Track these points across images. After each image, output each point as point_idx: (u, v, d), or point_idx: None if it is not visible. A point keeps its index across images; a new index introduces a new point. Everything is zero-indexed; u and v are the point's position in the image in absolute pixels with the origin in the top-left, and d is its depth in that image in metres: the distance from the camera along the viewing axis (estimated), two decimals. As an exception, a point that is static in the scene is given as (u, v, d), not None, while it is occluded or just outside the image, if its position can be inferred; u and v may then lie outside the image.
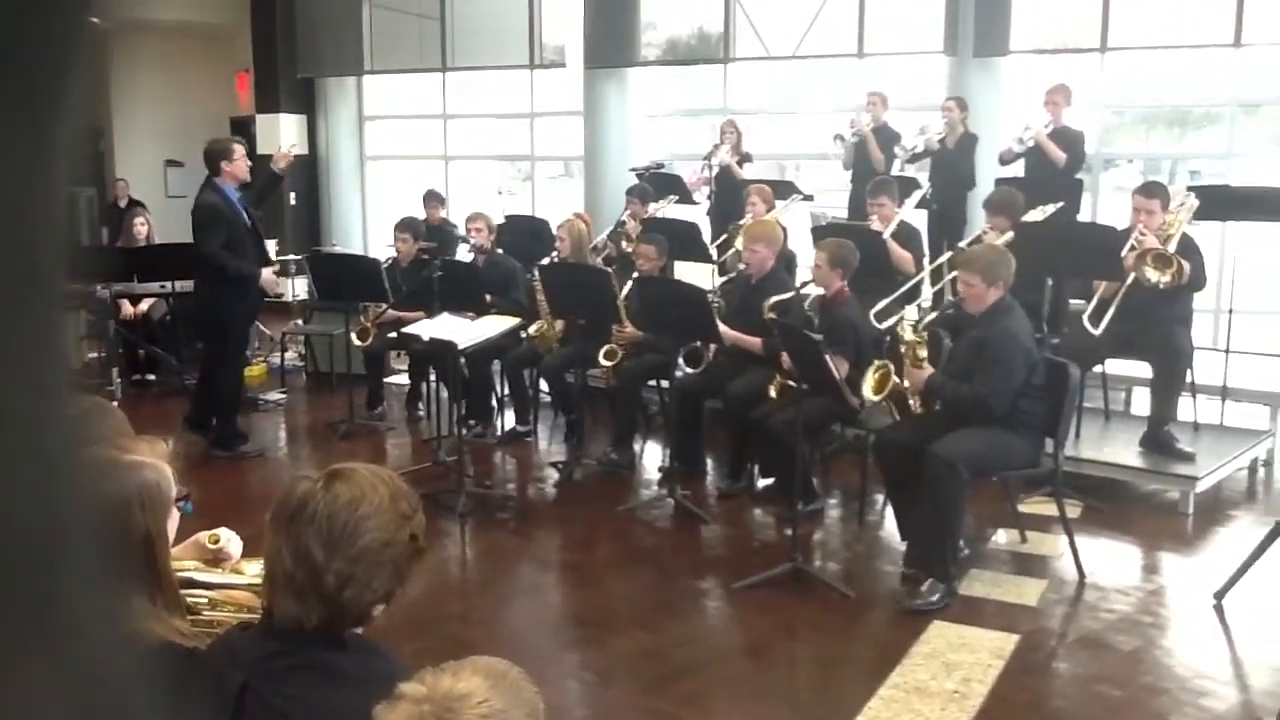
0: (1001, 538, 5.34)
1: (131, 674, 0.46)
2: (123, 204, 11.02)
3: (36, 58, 0.38)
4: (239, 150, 6.60)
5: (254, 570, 2.34)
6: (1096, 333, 5.74)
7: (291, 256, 10.20)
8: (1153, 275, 5.60)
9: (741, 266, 6.36)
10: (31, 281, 0.39)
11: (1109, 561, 5.04)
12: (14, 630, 0.38)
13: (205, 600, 2.41)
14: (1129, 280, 5.68)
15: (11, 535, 0.38)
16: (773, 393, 5.49)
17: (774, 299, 5.66)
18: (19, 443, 0.38)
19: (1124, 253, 5.73)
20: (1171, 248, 5.68)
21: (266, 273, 6.75)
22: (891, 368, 4.94)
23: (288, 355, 9.06)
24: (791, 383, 5.27)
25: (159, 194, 12.51)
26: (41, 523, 0.39)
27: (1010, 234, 6.17)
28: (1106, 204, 9.77)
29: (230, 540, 2.46)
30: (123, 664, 0.44)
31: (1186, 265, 5.61)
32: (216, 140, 6.77)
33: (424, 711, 1.40)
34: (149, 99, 12.80)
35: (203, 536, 2.44)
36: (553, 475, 6.41)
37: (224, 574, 2.43)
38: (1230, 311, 7.07)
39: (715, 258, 7.70)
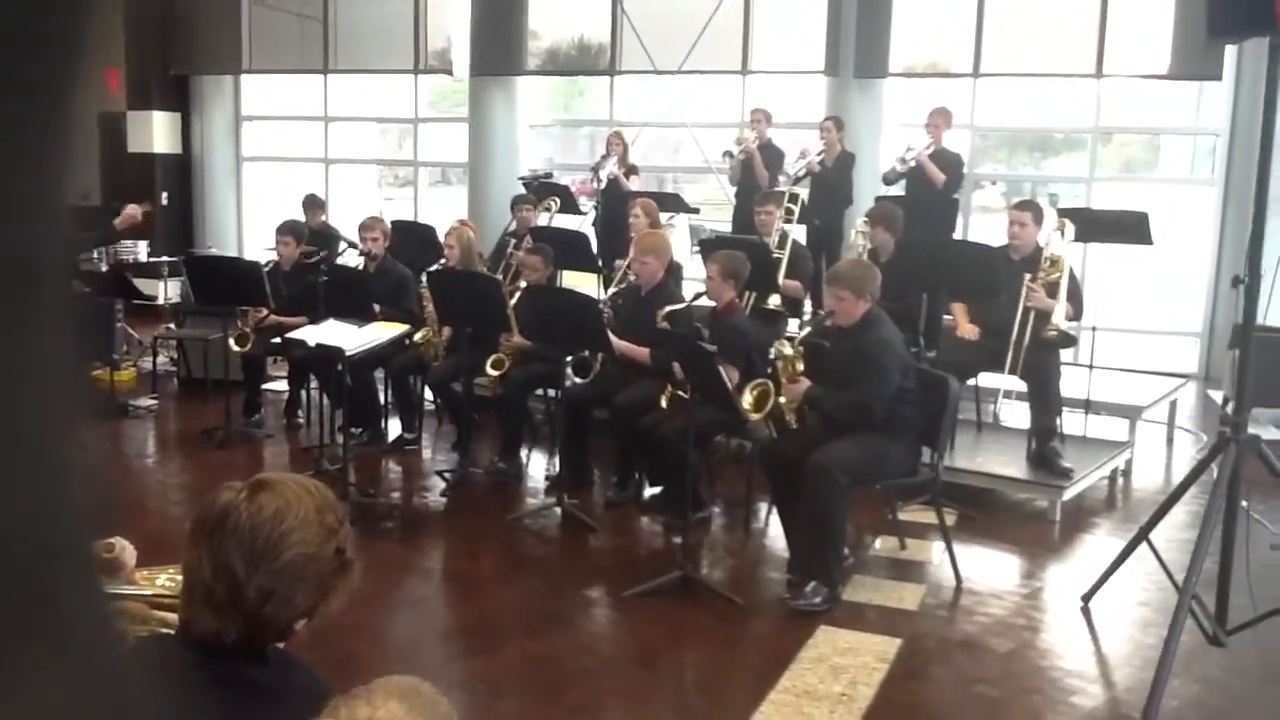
0: (881, 545, 5.49)
1: (127, 671, 0.46)
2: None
3: (46, 58, 0.38)
4: None
5: (159, 581, 2.28)
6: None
7: (165, 258, 9.87)
8: (1050, 333, 5.87)
9: (631, 278, 6.42)
10: (34, 281, 0.39)
11: (983, 567, 5.24)
12: (14, 630, 0.38)
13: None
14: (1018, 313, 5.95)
15: (11, 535, 0.38)
16: (664, 402, 5.55)
17: (668, 308, 5.73)
18: (19, 443, 0.38)
19: (1018, 308, 5.96)
20: (1061, 293, 5.93)
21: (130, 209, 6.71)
22: (770, 385, 5.05)
23: (159, 360, 8.76)
24: (681, 392, 5.34)
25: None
26: (40, 523, 0.39)
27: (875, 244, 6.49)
28: (974, 222, 10.18)
29: (124, 549, 2.39)
30: (118, 661, 0.44)
31: (1073, 319, 5.95)
32: None
33: None
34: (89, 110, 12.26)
35: (96, 545, 2.36)
36: (439, 484, 6.35)
37: (119, 584, 2.35)
38: (1093, 329, 7.44)
39: (602, 269, 7.76)
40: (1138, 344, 9.40)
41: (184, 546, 1.69)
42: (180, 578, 2.16)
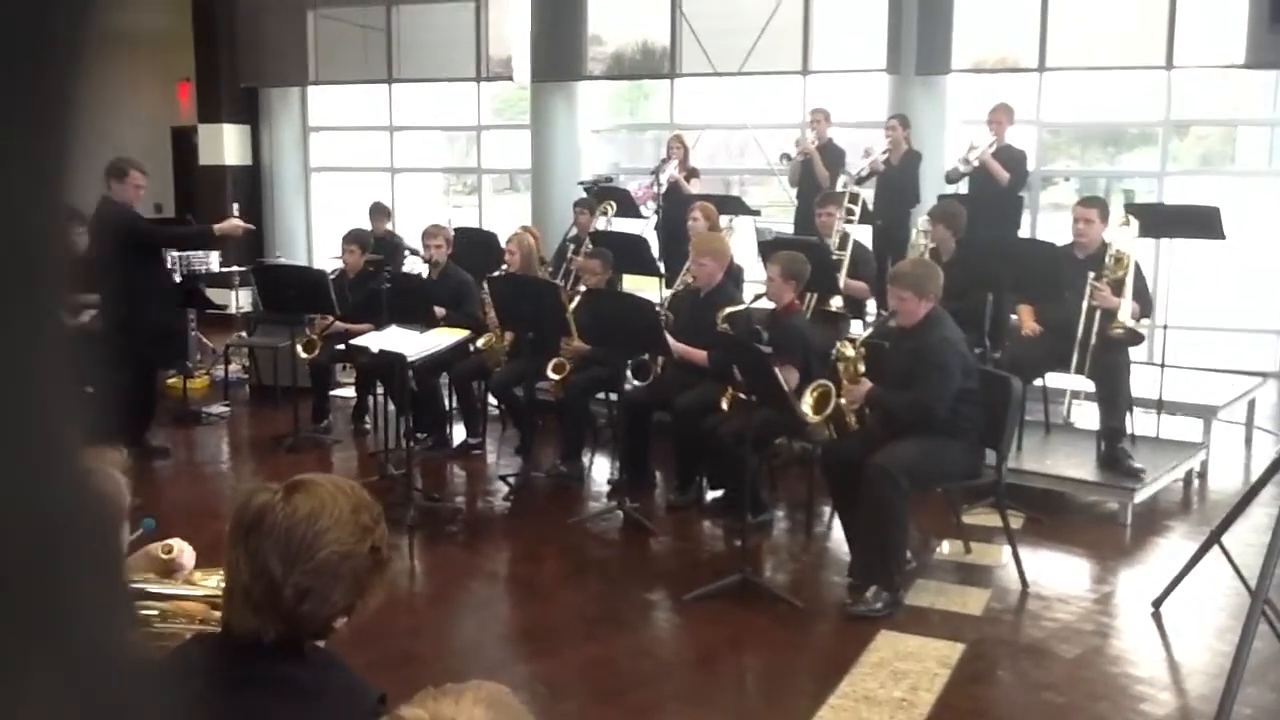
0: (946, 549, 5.42)
1: (133, 675, 0.46)
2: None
3: (50, 60, 0.38)
4: (136, 177, 6.72)
5: (211, 582, 2.32)
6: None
7: (236, 268, 10.07)
8: (1116, 331, 5.75)
9: (689, 280, 6.42)
10: (33, 282, 0.39)
11: (1051, 571, 5.14)
12: (16, 631, 0.38)
13: (156, 612, 2.38)
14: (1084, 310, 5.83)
15: (12, 536, 0.38)
16: (724, 405, 5.54)
17: (728, 310, 5.72)
18: (18, 442, 0.38)
19: (1082, 307, 5.84)
20: (1127, 291, 5.81)
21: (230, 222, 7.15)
22: (831, 387, 5.00)
23: (231, 368, 8.95)
24: (742, 395, 5.32)
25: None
26: (42, 524, 0.39)
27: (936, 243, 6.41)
28: (1045, 221, 10.00)
29: (183, 551, 2.44)
30: (124, 665, 0.44)
31: (1141, 318, 5.81)
32: (121, 158, 6.74)
33: None
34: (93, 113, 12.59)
35: (155, 547, 2.41)
36: (502, 488, 6.39)
37: (177, 585, 2.41)
38: (1165, 327, 7.26)
39: (663, 272, 7.77)
40: (1215, 341, 9.16)
41: (223, 548, 1.72)
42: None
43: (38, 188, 0.39)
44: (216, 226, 7.31)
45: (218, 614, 2.32)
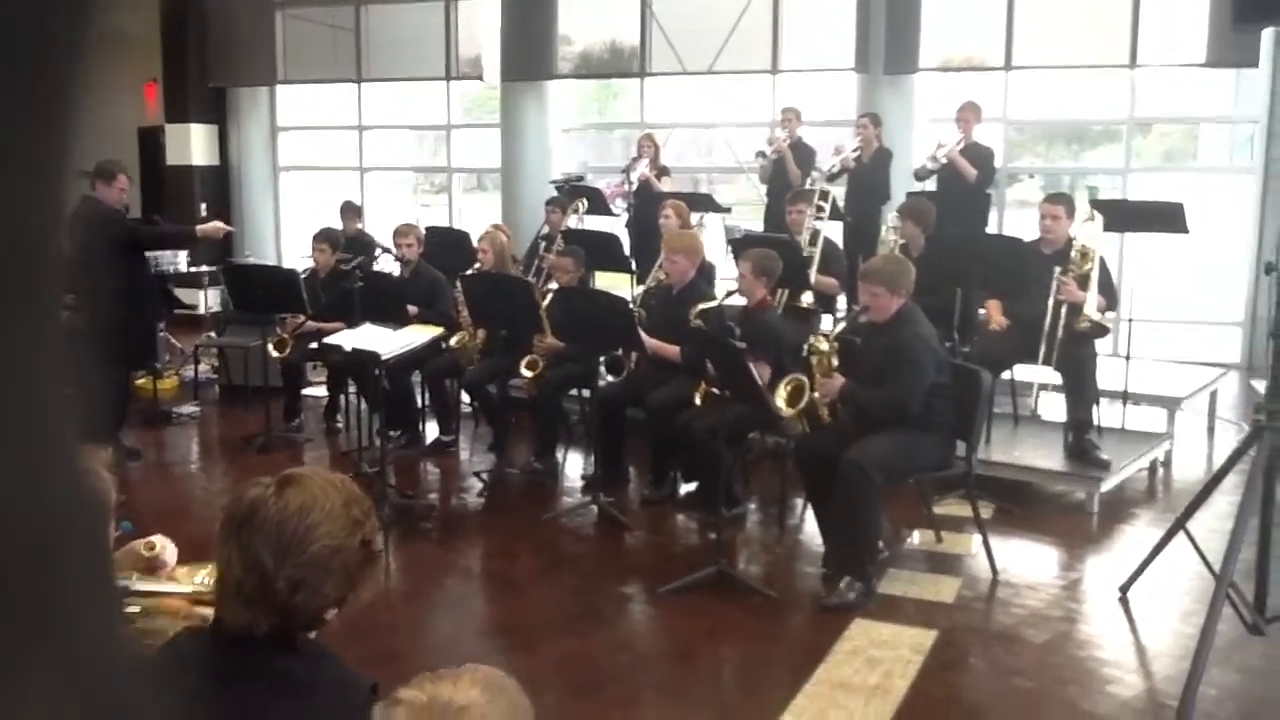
0: (918, 539, 5.49)
1: (130, 674, 0.46)
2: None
3: (50, 59, 0.38)
4: (122, 180, 6.73)
5: (197, 578, 2.34)
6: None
7: (205, 268, 10.01)
8: (1083, 324, 5.84)
9: (661, 277, 6.46)
10: (33, 282, 0.39)
11: (1020, 559, 5.22)
12: (16, 631, 0.37)
13: (139, 609, 2.39)
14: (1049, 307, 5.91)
15: (12, 536, 0.37)
16: (697, 400, 5.58)
17: (701, 306, 5.77)
18: (17, 442, 0.38)
19: (1049, 302, 5.92)
20: (1092, 285, 5.90)
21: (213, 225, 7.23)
22: (804, 381, 5.06)
23: (200, 368, 8.90)
24: (715, 390, 5.36)
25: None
26: (38, 523, 0.38)
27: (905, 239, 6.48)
28: (1011, 217, 10.12)
29: (165, 548, 2.45)
30: (122, 665, 0.44)
31: (1107, 311, 5.89)
32: (109, 161, 6.71)
33: None
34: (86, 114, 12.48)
35: (138, 545, 2.43)
36: (476, 485, 6.41)
37: (160, 582, 2.42)
38: (1130, 320, 7.38)
39: (634, 269, 7.81)
40: (1179, 335, 9.31)
41: (215, 542, 1.74)
42: (221, 574, 2.24)
43: (38, 188, 0.38)
44: (199, 229, 7.30)
45: (200, 610, 2.34)
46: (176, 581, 2.45)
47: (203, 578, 2.38)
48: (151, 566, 2.43)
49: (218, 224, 7.34)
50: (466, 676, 1.48)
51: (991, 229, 8.92)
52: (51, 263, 0.40)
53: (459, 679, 1.47)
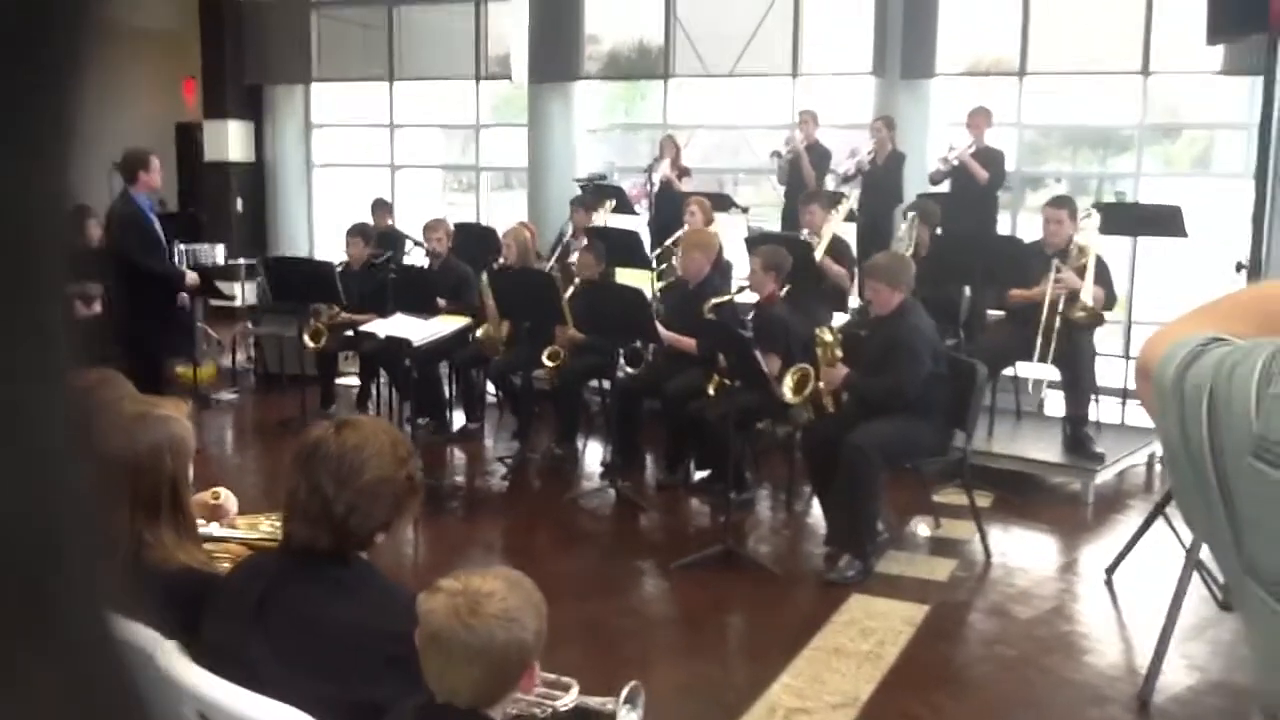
0: (918, 525, 5.77)
1: (129, 673, 0.46)
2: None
3: (51, 48, 0.38)
4: (155, 162, 6.99)
5: (263, 526, 2.68)
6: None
7: (242, 261, 10.39)
8: (1079, 313, 6.10)
9: (679, 272, 6.76)
10: (33, 274, 0.38)
11: (1015, 544, 5.51)
12: (16, 631, 0.37)
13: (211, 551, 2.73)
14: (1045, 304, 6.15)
15: (10, 535, 0.37)
16: (710, 390, 5.88)
17: (714, 300, 6.07)
18: (17, 441, 0.38)
19: (1046, 291, 6.16)
20: (1089, 275, 6.16)
21: (191, 275, 7.39)
22: (810, 370, 5.36)
23: (238, 357, 9.27)
24: (727, 380, 5.66)
25: (105, 198, 12.56)
26: (39, 522, 0.38)
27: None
28: (1034, 221, 10.30)
29: (228, 497, 2.79)
30: (120, 663, 0.43)
31: (1102, 299, 6.13)
32: (135, 150, 6.96)
33: (456, 602, 1.79)
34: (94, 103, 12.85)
35: (205, 495, 2.76)
36: (500, 469, 6.72)
37: (222, 528, 2.75)
38: (1131, 323, 7.63)
39: (654, 266, 8.11)
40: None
41: (285, 473, 2.07)
42: (277, 524, 2.58)
43: (38, 177, 0.38)
44: (188, 277, 7.59)
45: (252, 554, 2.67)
46: (236, 529, 2.79)
47: (265, 526, 2.72)
48: (216, 515, 2.76)
49: (194, 276, 7.62)
50: (492, 572, 1.85)
51: (1005, 231, 9.17)
52: (54, 254, 0.39)
53: (486, 574, 1.82)
